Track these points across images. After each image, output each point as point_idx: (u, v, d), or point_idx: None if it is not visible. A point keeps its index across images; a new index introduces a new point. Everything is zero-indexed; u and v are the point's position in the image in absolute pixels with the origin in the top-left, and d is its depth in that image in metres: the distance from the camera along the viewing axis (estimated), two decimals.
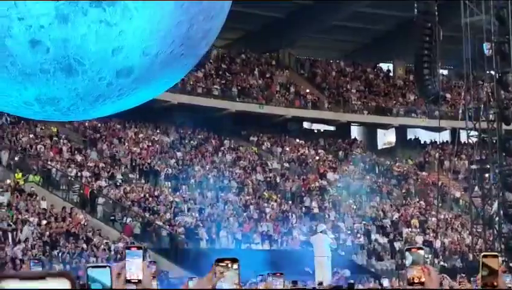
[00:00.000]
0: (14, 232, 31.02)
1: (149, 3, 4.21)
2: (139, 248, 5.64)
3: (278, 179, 42.93)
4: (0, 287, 1.58)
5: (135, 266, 5.61)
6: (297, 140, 46.82)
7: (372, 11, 46.47)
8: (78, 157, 38.46)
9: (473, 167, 33.68)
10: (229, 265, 5.47)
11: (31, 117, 5.22)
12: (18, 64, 4.28)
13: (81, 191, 36.20)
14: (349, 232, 39.30)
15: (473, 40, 31.65)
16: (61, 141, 39.05)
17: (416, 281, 5.74)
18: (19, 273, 1.60)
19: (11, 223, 31.48)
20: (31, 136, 37.72)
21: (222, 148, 43.98)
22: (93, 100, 4.65)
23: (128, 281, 5.38)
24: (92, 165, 38.19)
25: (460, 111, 36.90)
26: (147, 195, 37.32)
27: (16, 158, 36.43)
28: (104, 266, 4.27)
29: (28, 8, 4.00)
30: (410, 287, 5.88)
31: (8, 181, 34.45)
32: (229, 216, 37.87)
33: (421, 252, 6.33)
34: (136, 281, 5.17)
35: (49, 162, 37.23)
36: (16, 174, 35.12)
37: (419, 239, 38.33)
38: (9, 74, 4.32)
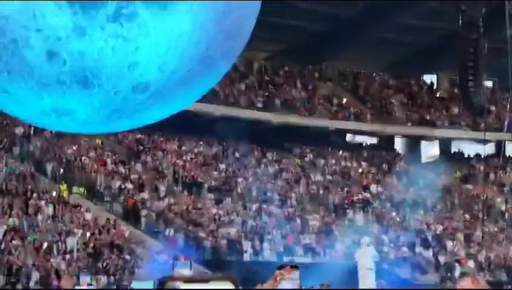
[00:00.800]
0: (59, 244, 31.13)
1: (167, 21, 4.28)
2: (186, 259, 5.84)
3: (321, 192, 42.77)
4: (173, 287, 1.64)
5: (181, 270, 5.75)
6: (340, 152, 46.82)
7: (415, 23, 46.43)
8: (122, 170, 38.57)
9: None
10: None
11: (49, 127, 5.30)
12: (35, 74, 4.31)
13: (125, 203, 36.23)
14: (392, 245, 39.07)
15: None
16: (106, 153, 39.22)
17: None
18: (185, 277, 1.64)
19: (56, 235, 31.61)
20: (76, 148, 37.89)
21: (265, 160, 43.93)
22: (109, 114, 4.66)
23: None
24: (135, 177, 38.28)
25: (506, 123, 36.69)
26: (190, 207, 37.30)
27: (61, 170, 36.57)
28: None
29: (46, 20, 4.10)
30: None
31: (54, 193, 34.59)
32: (272, 228, 37.76)
33: (471, 263, 6.32)
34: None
35: (93, 174, 37.33)
36: (61, 186, 35.27)
37: (463, 252, 38.03)
38: (26, 84, 4.38)
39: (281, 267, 6.73)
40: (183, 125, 41.11)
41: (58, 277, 28.58)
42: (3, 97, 4.67)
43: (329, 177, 44.46)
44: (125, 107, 4.53)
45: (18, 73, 4.31)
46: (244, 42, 4.97)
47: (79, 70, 4.26)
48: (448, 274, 33.90)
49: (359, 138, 48.80)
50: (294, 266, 5.99)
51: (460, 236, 41.25)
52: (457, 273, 17.52)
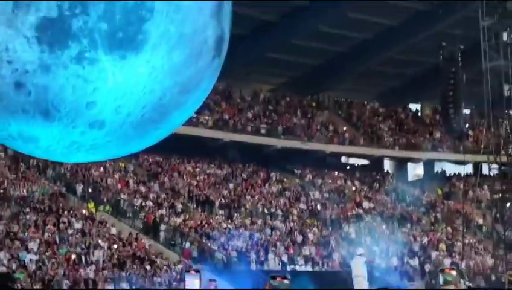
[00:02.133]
0: (87, 255, 31.17)
1: (125, 70, 4.19)
2: (196, 271, 5.60)
3: (319, 208, 42.53)
4: None
5: (193, 287, 5.54)
6: (336, 173, 46.51)
7: (402, 58, 46.60)
8: (143, 189, 38.43)
9: (495, 196, 33.47)
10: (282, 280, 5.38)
11: (18, 150, 5.35)
12: (3, 101, 4.31)
13: (145, 219, 36.09)
14: (383, 255, 38.84)
15: (493, 82, 31.52)
16: (128, 174, 39.17)
17: None
18: None
19: (84, 248, 31.61)
20: (102, 170, 37.86)
21: (269, 180, 43.67)
22: (68, 145, 4.66)
23: None
24: (154, 195, 38.13)
25: (482, 146, 36.58)
26: (203, 222, 37.16)
27: (89, 190, 36.53)
28: None
29: (17, 54, 4.08)
30: None
31: (83, 210, 34.62)
32: (276, 241, 37.54)
33: (453, 272, 6.03)
34: None
35: (117, 194, 37.25)
36: (89, 204, 35.32)
37: (447, 262, 37.98)
38: None
39: (274, 277, 6.41)
40: (197, 149, 41.24)
41: (87, 287, 28.71)
42: None
43: (326, 195, 44.22)
44: (83, 141, 4.44)
45: None
46: (202, 97, 4.87)
47: (42, 102, 4.20)
48: (433, 281, 33.75)
49: (352, 160, 48.60)
50: (284, 276, 5.69)
51: (443, 247, 41.13)
52: (441, 281, 17.42)
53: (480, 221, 43.90)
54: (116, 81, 4.17)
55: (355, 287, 24.89)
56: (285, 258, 36.57)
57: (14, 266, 27.93)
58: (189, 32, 4.28)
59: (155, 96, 4.33)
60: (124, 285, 29.26)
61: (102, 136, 4.39)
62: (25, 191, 34.04)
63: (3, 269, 27.54)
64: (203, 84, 4.78)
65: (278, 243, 37.42)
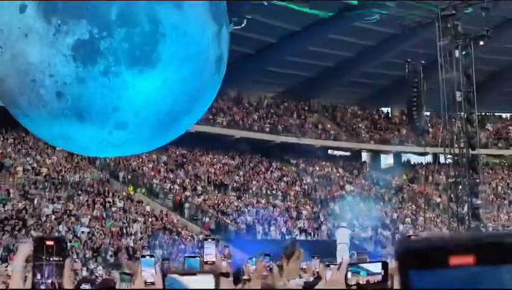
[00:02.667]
0: (127, 228, 31.25)
1: (143, 82, 4.22)
2: (212, 239, 5.49)
3: (310, 190, 42.56)
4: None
5: (210, 252, 5.45)
6: (324, 162, 46.18)
7: (376, 71, 46.45)
8: (171, 175, 38.48)
9: (449, 180, 33.44)
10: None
11: (61, 147, 5.40)
12: (47, 107, 4.30)
13: (173, 199, 36.09)
14: (361, 227, 38.88)
15: (448, 90, 31.47)
16: (160, 164, 39.15)
17: None
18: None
19: (125, 222, 31.70)
20: (139, 160, 37.85)
21: (271, 168, 43.51)
22: (99, 143, 4.60)
23: (205, 263, 5.19)
24: (180, 180, 38.17)
25: (439, 141, 36.43)
26: (219, 201, 37.22)
27: (129, 176, 36.55)
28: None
29: (58, 69, 4.07)
30: None
31: (123, 192, 34.70)
32: (277, 216, 37.57)
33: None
34: (211, 262, 5.08)
35: (151, 179, 37.27)
36: (129, 187, 35.35)
37: (411, 232, 37.95)
38: (41, 114, 4.38)
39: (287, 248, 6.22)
40: (214, 143, 41.18)
41: (128, 253, 28.78)
42: (26, 120, 4.64)
43: (316, 179, 44.11)
44: (111, 139, 4.41)
45: (35, 104, 4.27)
46: (206, 105, 4.86)
47: (77, 108, 4.19)
48: None
49: (337, 152, 48.18)
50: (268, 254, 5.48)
51: (408, 221, 41.25)
52: None
53: (438, 200, 43.86)
54: (136, 90, 4.17)
55: (338, 253, 24.93)
56: (284, 230, 36.60)
57: (70, 237, 27.98)
58: (193, 52, 4.27)
59: (167, 103, 4.32)
60: (157, 251, 29.30)
61: (125, 135, 4.39)
62: (78, 177, 34.10)
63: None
64: (206, 95, 4.78)
65: (278, 218, 37.47)
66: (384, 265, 2.82)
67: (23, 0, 4.05)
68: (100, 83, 4.08)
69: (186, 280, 1.62)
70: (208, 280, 1.61)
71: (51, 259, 2.06)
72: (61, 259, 2.08)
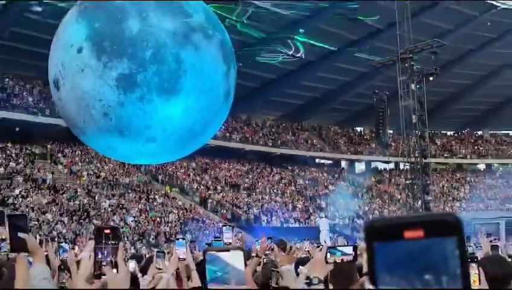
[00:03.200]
0: (165, 218, 31.20)
1: (169, 107, 4.20)
2: (230, 226, 5.45)
3: (302, 189, 42.39)
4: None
5: (228, 236, 5.42)
6: (312, 168, 45.98)
7: (352, 99, 46.50)
8: (198, 178, 38.36)
9: (407, 182, 33.30)
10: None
11: (110, 157, 5.35)
12: (96, 125, 4.30)
13: (200, 196, 35.96)
14: (341, 217, 38.68)
15: (406, 114, 31.38)
16: (189, 169, 39.07)
17: None
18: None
19: (163, 213, 31.67)
20: (174, 167, 37.84)
21: (272, 173, 43.35)
22: (135, 153, 4.57)
23: (225, 244, 5.17)
24: (204, 182, 38.09)
25: (400, 152, 36.31)
26: (234, 198, 37.08)
27: (166, 179, 36.51)
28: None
29: (105, 95, 4.05)
30: None
31: (162, 191, 34.67)
32: (277, 209, 37.40)
33: None
34: (229, 243, 5.10)
35: (183, 181, 37.23)
36: (166, 187, 35.30)
37: None
38: (92, 130, 4.43)
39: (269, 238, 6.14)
40: (230, 154, 41.14)
41: (166, 237, 28.68)
42: (82, 136, 4.58)
43: (307, 181, 43.89)
44: (144, 150, 4.37)
45: (88, 123, 4.24)
46: (217, 128, 4.85)
47: (119, 126, 4.10)
48: None
49: (322, 161, 48.16)
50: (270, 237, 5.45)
51: (376, 213, 41.03)
52: None
53: (399, 197, 43.50)
54: (163, 113, 4.15)
55: (321, 237, 24.94)
56: (282, 219, 36.36)
57: (122, 224, 27.96)
58: (208, 86, 4.26)
59: (187, 124, 4.31)
60: (187, 235, 29.24)
61: (155, 147, 4.36)
62: (128, 179, 34.12)
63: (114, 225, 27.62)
64: (217, 119, 4.76)
65: (278, 210, 37.22)
66: (355, 248, 3.01)
67: (81, 44, 4.04)
68: (136, 107, 4.06)
69: (223, 255, 1.63)
70: (239, 255, 1.63)
71: (109, 243, 2.13)
72: (115, 243, 2.15)
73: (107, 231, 2.18)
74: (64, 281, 5.31)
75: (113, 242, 2.15)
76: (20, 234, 2.58)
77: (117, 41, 3.94)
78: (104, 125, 4.17)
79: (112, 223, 27.93)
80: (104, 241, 2.14)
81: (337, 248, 3.04)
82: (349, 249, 2.99)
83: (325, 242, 22.37)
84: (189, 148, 4.81)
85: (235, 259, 1.65)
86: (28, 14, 29.82)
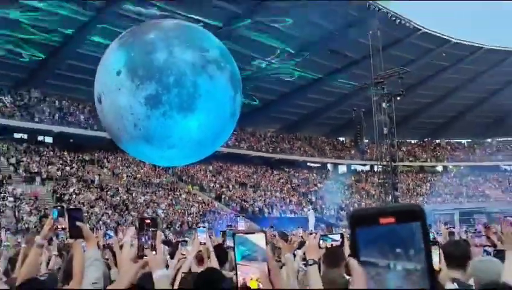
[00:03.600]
0: (187, 210, 31.05)
1: (185, 122, 4.16)
2: (242, 216, 5.48)
3: (297, 187, 42.09)
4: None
5: (241, 224, 5.43)
6: (305, 170, 45.72)
7: (335, 115, 46.32)
8: (213, 178, 38.13)
9: (380, 181, 33.16)
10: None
11: (139, 158, 5.33)
12: (128, 134, 4.22)
13: (215, 193, 35.77)
14: (328, 209, 38.41)
15: (379, 127, 31.29)
16: (207, 171, 38.86)
17: None
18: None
19: (187, 206, 31.53)
20: (195, 169, 37.76)
21: (273, 174, 43.08)
22: (159, 157, 4.62)
23: (238, 231, 5.15)
24: (219, 181, 37.91)
25: (374, 157, 36.20)
26: (242, 194, 36.86)
27: (189, 179, 36.38)
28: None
29: (136, 110, 4.01)
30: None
31: (185, 189, 34.55)
32: (277, 203, 37.11)
33: None
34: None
35: (202, 180, 37.08)
36: (188, 186, 35.21)
37: None
38: (125, 138, 4.39)
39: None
40: (239, 159, 40.97)
41: (188, 225, 28.51)
42: (118, 143, 4.48)
43: (300, 181, 43.63)
44: (166, 155, 4.33)
45: (122, 132, 4.19)
46: (223, 140, 4.79)
47: (146, 135, 4.08)
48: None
49: (312, 164, 47.70)
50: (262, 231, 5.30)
51: (356, 205, 40.58)
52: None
53: (373, 193, 43.37)
54: (181, 126, 4.09)
55: (309, 226, 24.94)
56: (281, 211, 35.98)
57: (154, 215, 27.90)
58: (218, 108, 4.22)
59: (200, 136, 4.24)
60: (206, 224, 29.13)
61: (174, 153, 4.31)
62: (158, 180, 34.08)
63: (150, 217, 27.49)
64: (223, 134, 4.70)
65: (277, 204, 36.90)
66: (342, 236, 3.10)
67: (119, 68, 4.06)
68: (160, 121, 4.03)
69: (250, 237, 1.65)
70: (262, 237, 1.64)
71: (149, 230, 2.16)
72: (155, 230, 2.17)
73: (148, 221, 2.21)
74: (107, 257, 5.38)
75: (152, 229, 2.17)
76: (78, 223, 2.63)
77: (147, 68, 3.96)
78: (134, 134, 4.13)
79: (146, 215, 27.91)
80: (145, 229, 2.16)
81: (328, 235, 3.09)
82: (337, 237, 3.06)
83: (312, 230, 22.35)
84: (200, 155, 4.79)
85: (259, 240, 1.65)
86: (79, 49, 30.04)
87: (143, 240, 2.14)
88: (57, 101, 34.07)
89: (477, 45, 40.80)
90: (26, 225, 23.41)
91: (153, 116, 3.88)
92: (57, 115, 32.90)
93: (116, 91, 3.92)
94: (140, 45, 4.01)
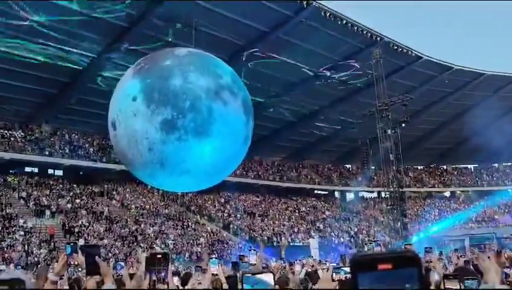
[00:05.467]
0: (196, 240, 30.62)
1: (200, 146, 4.12)
2: (254, 250, 5.38)
3: (305, 215, 41.60)
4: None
5: (253, 258, 5.32)
6: (312, 198, 45.39)
7: (342, 143, 46.23)
8: (222, 208, 37.88)
9: (388, 207, 32.77)
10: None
11: (149, 184, 5.20)
12: (143, 158, 4.18)
13: (223, 222, 35.44)
14: (336, 237, 37.82)
15: (385, 153, 31.16)
16: (215, 201, 38.57)
17: None
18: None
19: (195, 236, 31.07)
20: (203, 199, 37.45)
21: (280, 202, 42.74)
22: (174, 181, 4.57)
23: (250, 264, 5.08)
24: (227, 211, 37.59)
25: (381, 183, 35.91)
26: (250, 223, 36.56)
27: (197, 209, 36.05)
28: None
29: (151, 135, 3.98)
30: None
31: (194, 219, 34.20)
32: (285, 231, 36.69)
33: (371, 245, 5.83)
34: (253, 263, 5.01)
35: (210, 210, 36.76)
36: (197, 216, 34.87)
37: (366, 239, 36.86)
38: (139, 162, 4.37)
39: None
40: (246, 188, 40.73)
41: (197, 255, 28.11)
42: (130, 167, 4.43)
43: (308, 208, 43.24)
44: (179, 180, 4.28)
45: (136, 155, 4.18)
46: (237, 164, 4.73)
47: (160, 159, 4.04)
48: (361, 249, 32.83)
49: (320, 192, 47.29)
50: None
51: (364, 232, 40.21)
52: (368, 247, 16.92)
53: (382, 219, 42.76)
54: (196, 151, 4.09)
55: (312, 253, 24.66)
56: (289, 239, 35.56)
57: (163, 246, 27.63)
58: (231, 132, 4.22)
59: (214, 160, 4.24)
60: (213, 255, 28.72)
61: (188, 178, 4.28)
62: (167, 210, 33.89)
63: (161, 250, 27.11)
64: (237, 159, 4.70)
65: (285, 233, 36.51)
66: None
67: (135, 94, 4.08)
68: (175, 145, 4.02)
69: (258, 276, 1.66)
70: (270, 276, 1.67)
71: (161, 266, 2.16)
72: (166, 266, 2.18)
73: (159, 256, 2.24)
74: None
75: (164, 266, 2.16)
76: (97, 259, 2.63)
77: (163, 93, 3.99)
78: (148, 158, 4.11)
79: (155, 246, 27.58)
80: (156, 264, 2.14)
81: (341, 268, 3.15)
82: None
83: (314, 257, 21.95)
84: (214, 180, 4.73)
85: (267, 278, 1.70)
86: (90, 84, 30.46)
87: (154, 275, 2.10)
88: (67, 135, 34.35)
89: (478, 71, 41.04)
90: (36, 259, 23.17)
91: (168, 141, 3.86)
92: (67, 148, 33.11)
93: (132, 116, 3.93)
94: (157, 72, 4.06)
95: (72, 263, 2.72)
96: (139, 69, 4.19)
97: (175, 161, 4.06)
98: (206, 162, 4.15)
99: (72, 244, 2.80)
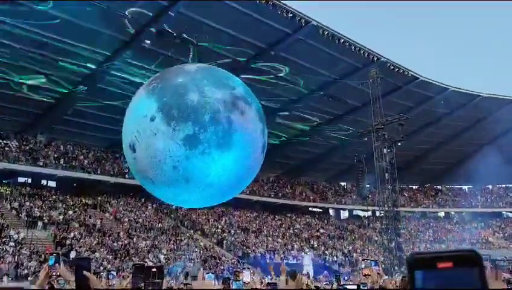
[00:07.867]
0: (189, 255, 30.35)
1: (221, 160, 4.21)
2: (248, 268, 5.46)
3: (299, 232, 41.46)
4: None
5: (247, 277, 5.37)
6: (307, 215, 45.25)
7: (338, 160, 46.37)
8: (215, 223, 37.61)
9: (383, 226, 32.78)
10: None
11: (171, 203, 5.20)
12: (166, 176, 4.20)
13: (217, 238, 35.15)
14: (330, 255, 37.66)
15: (380, 172, 31.32)
16: (208, 216, 38.31)
17: (365, 273, 5.40)
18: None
19: (188, 251, 30.79)
20: (197, 214, 37.25)
21: (275, 219, 42.61)
22: (198, 197, 4.58)
23: (244, 282, 5.12)
24: (221, 226, 37.26)
25: (376, 202, 35.98)
26: (244, 239, 36.25)
27: (190, 224, 35.81)
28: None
29: (174, 152, 4.04)
30: (364, 277, 5.39)
31: (187, 234, 33.91)
32: (278, 248, 36.52)
33: (368, 262, 5.92)
34: (248, 282, 5.01)
35: (204, 226, 36.51)
36: (190, 231, 34.58)
37: (361, 257, 36.77)
38: (162, 180, 4.26)
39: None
40: (241, 203, 40.60)
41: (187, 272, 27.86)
42: (151, 186, 4.43)
43: (302, 226, 43.08)
44: (203, 195, 4.33)
45: (159, 174, 4.17)
46: (256, 172, 4.81)
47: (185, 175, 4.09)
48: (355, 267, 32.73)
49: (314, 209, 47.29)
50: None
51: (359, 251, 40.02)
52: (361, 265, 16.95)
53: (376, 238, 42.73)
54: (219, 163, 4.13)
55: (304, 270, 24.54)
56: (282, 256, 35.24)
57: (155, 261, 27.37)
58: (251, 141, 4.30)
59: (236, 170, 4.28)
60: (204, 271, 28.50)
61: (212, 191, 4.31)
62: (160, 225, 33.64)
63: (158, 263, 26.83)
64: (256, 166, 4.76)
65: (279, 250, 36.35)
66: (358, 287, 3.10)
67: (153, 114, 4.14)
68: (199, 160, 4.07)
69: None
70: None
71: (155, 279, 2.16)
72: (160, 281, 2.18)
73: (154, 270, 2.25)
74: None
75: (158, 280, 2.18)
76: (85, 273, 2.58)
77: (182, 109, 4.05)
78: (172, 176, 4.14)
79: (147, 261, 27.36)
80: (151, 277, 2.17)
81: (345, 286, 3.16)
82: (352, 286, 3.10)
83: (308, 273, 21.89)
84: (237, 190, 4.82)
85: None
86: (84, 95, 30.52)
87: (148, 287, 2.11)
88: (61, 146, 34.27)
89: (474, 93, 41.65)
90: (26, 271, 22.91)
91: (193, 156, 3.95)
92: (62, 159, 33.00)
93: (152, 136, 3.96)
94: (171, 89, 4.12)
95: (54, 274, 2.70)
96: (152, 89, 4.24)
97: (200, 176, 4.10)
98: (229, 173, 4.22)
99: (55, 255, 2.76)
